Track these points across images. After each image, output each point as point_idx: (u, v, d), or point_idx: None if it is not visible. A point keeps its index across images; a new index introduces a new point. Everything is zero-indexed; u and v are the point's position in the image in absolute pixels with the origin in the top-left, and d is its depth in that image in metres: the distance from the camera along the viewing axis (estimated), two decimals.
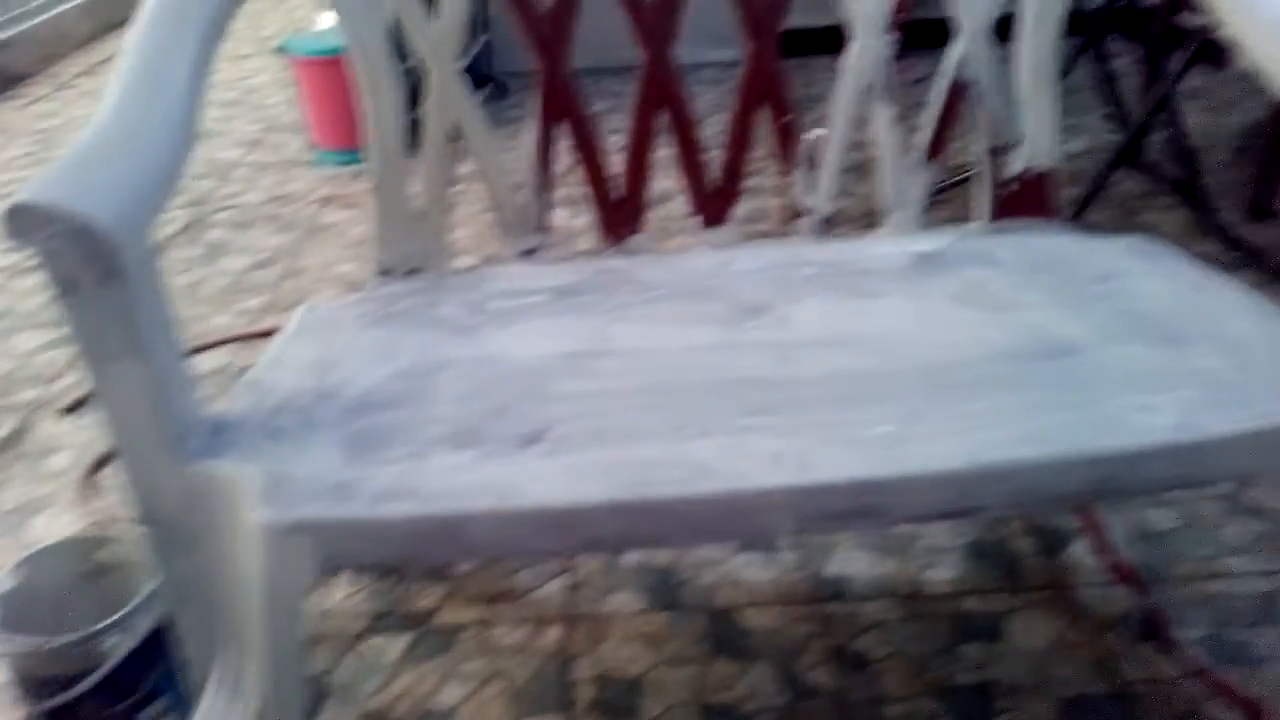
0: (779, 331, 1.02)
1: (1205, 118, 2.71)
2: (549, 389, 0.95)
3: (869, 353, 0.96)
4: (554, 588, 1.33)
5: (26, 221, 0.77)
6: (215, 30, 1.04)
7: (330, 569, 0.82)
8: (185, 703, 1.14)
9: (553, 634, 1.26)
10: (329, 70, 2.75)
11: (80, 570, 1.17)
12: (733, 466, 0.81)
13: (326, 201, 2.66)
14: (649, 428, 0.87)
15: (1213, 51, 2.05)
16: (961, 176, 1.20)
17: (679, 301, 1.10)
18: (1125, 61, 2.75)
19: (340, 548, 0.81)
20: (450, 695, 1.18)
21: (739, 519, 0.80)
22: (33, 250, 0.78)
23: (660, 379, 0.95)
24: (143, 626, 1.05)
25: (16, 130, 3.40)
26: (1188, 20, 2.06)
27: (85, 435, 1.72)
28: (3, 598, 1.09)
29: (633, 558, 1.36)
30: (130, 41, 1.00)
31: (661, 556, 1.36)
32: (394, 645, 1.25)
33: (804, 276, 1.13)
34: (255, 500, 0.81)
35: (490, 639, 1.26)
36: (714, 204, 1.22)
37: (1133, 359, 0.89)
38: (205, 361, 1.92)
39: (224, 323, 2.06)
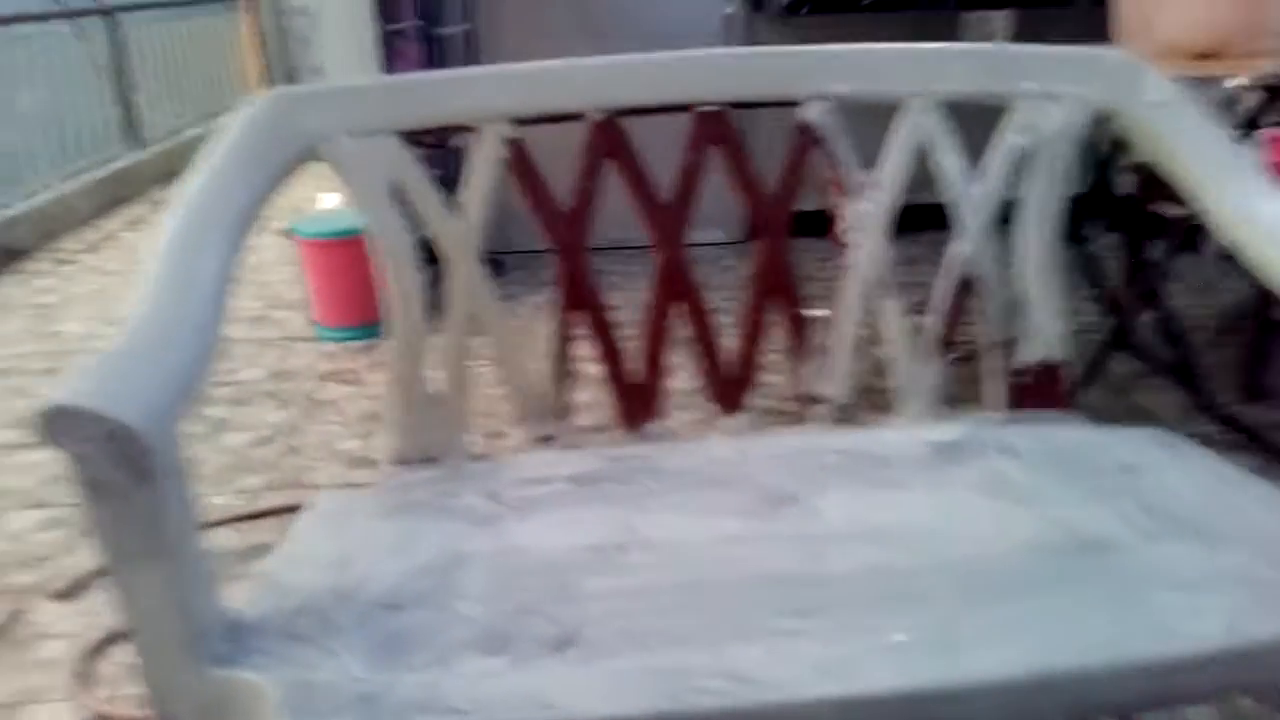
0: (806, 524, 1.01)
1: (1188, 299, 2.80)
2: (577, 586, 0.93)
3: (900, 549, 0.95)
4: None
5: (62, 424, 0.77)
6: (243, 229, 1.07)
7: None
8: None
9: None
10: (333, 251, 2.82)
11: None
12: (776, 675, 0.78)
13: (327, 378, 2.67)
14: (684, 630, 0.84)
15: (1192, 237, 2.14)
16: (972, 359, 1.23)
17: (702, 491, 1.09)
18: (1104, 244, 2.85)
19: None
20: None
21: None
22: (66, 453, 0.77)
23: (690, 575, 0.93)
24: None
25: (15, 305, 3.44)
26: (1166, 209, 2.17)
27: (81, 621, 1.66)
28: None
29: None
30: (162, 241, 1.02)
31: None
32: None
33: (825, 466, 1.13)
34: (276, 712, 0.77)
35: None
36: (730, 391, 1.23)
37: (1169, 557, 0.88)
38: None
39: (223, 502, 2.03)
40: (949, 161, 1.22)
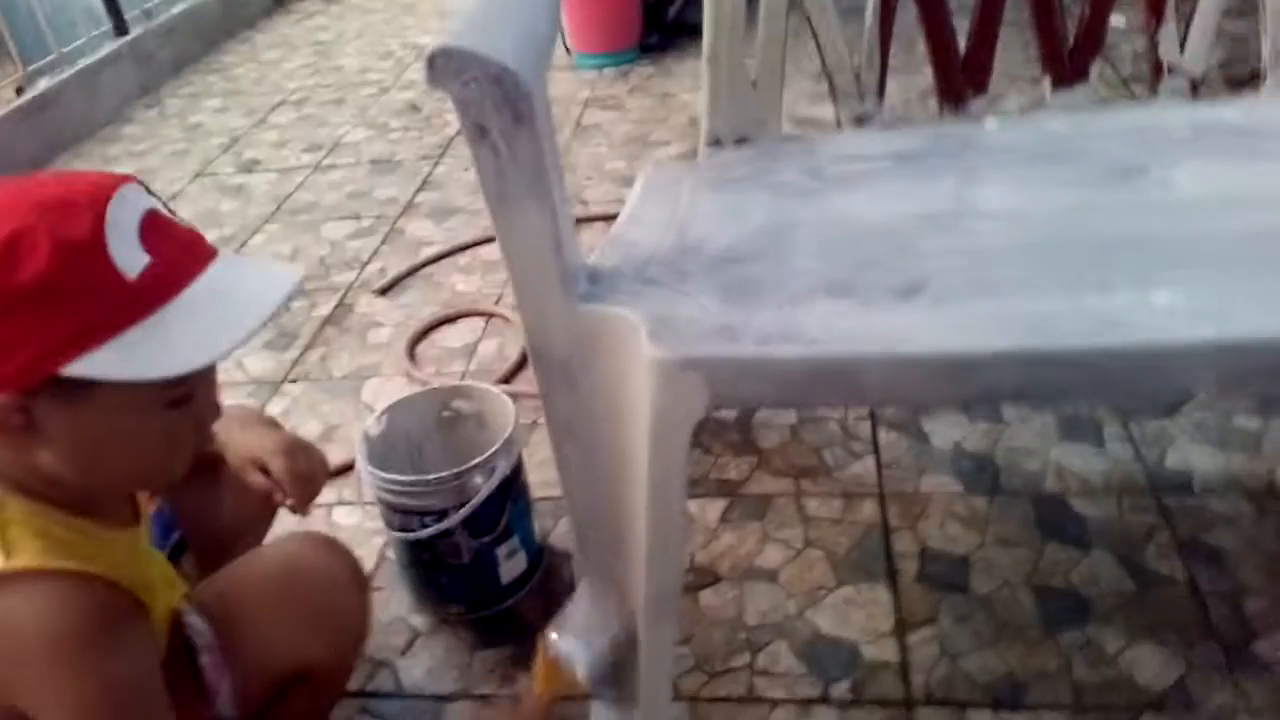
0: (1161, 193, 0.95)
1: None
2: (915, 246, 0.93)
3: (1273, 212, 0.88)
4: (863, 465, 1.33)
5: (447, 67, 0.82)
6: None
7: (716, 407, 0.84)
8: (534, 543, 1.23)
9: (867, 508, 1.26)
10: None
11: (433, 420, 1.26)
12: (1145, 320, 0.76)
13: (589, 103, 2.71)
14: (1039, 282, 0.83)
15: None
16: None
17: (1037, 164, 1.04)
18: None
19: (728, 386, 0.83)
20: (771, 557, 1.21)
21: (1153, 374, 0.76)
22: (451, 94, 0.83)
23: (1036, 237, 0.91)
24: (502, 470, 1.13)
25: (295, 42, 3.65)
26: None
27: (401, 312, 1.85)
28: (371, 442, 1.19)
29: (945, 440, 1.34)
30: None
31: (976, 442, 1.33)
32: (711, 509, 1.29)
33: (1176, 139, 1.04)
34: (645, 339, 0.84)
35: (804, 509, 1.27)
36: (1069, 63, 1.14)
37: None
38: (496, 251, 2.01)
39: None
40: None
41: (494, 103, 0.82)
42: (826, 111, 2.45)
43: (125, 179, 0.67)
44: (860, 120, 1.19)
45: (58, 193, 0.64)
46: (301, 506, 0.91)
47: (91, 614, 0.66)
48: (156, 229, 0.66)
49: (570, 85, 2.83)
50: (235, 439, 0.92)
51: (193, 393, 0.69)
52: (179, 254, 0.66)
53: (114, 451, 0.68)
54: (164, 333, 0.63)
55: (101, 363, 0.62)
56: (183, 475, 0.76)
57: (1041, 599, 1.11)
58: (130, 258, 0.63)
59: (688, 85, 2.70)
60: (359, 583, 0.93)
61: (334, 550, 0.93)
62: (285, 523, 1.07)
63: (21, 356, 0.61)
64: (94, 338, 0.62)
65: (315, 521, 1.33)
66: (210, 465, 0.93)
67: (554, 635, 0.91)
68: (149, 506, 0.84)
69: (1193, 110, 1.09)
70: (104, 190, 0.65)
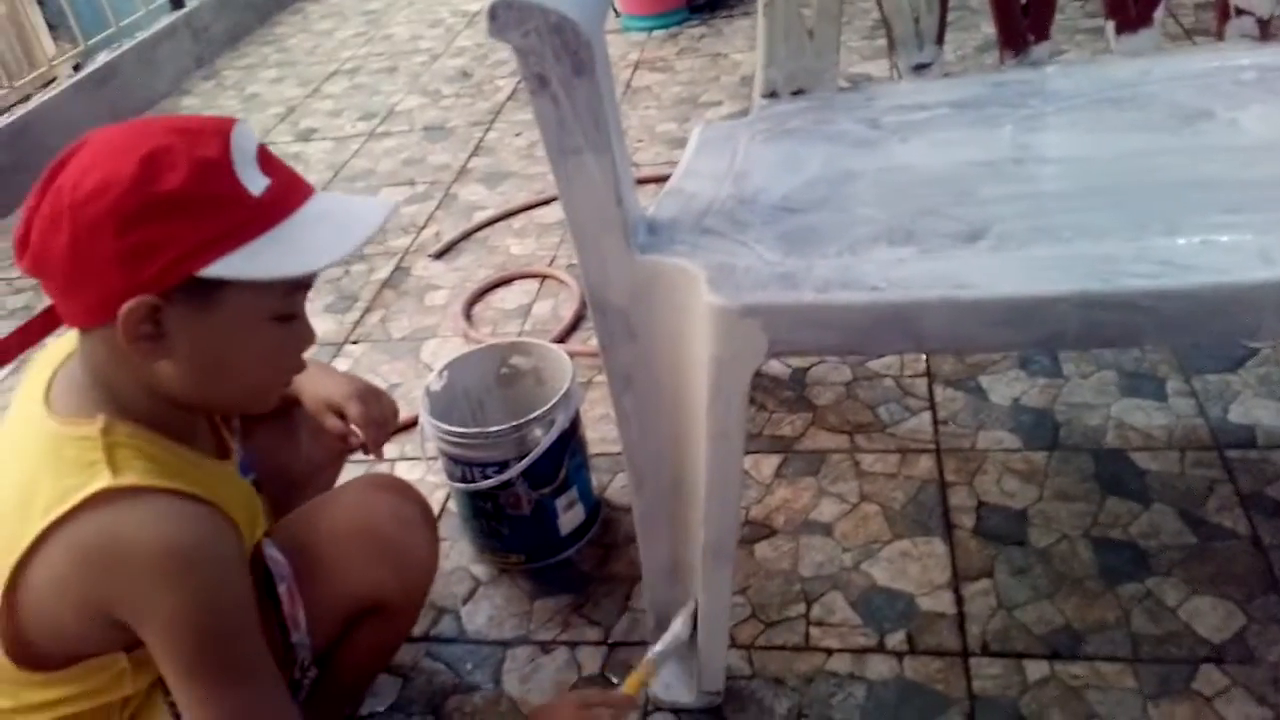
0: (1226, 137, 0.94)
1: None
2: (975, 193, 0.92)
3: None
4: (919, 421, 1.33)
5: (508, 17, 0.82)
6: None
7: (774, 354, 0.85)
8: (591, 496, 1.25)
9: (923, 464, 1.26)
10: None
11: (492, 376, 1.28)
12: (1212, 262, 0.75)
13: (638, 65, 2.70)
14: (1103, 226, 0.82)
15: None
16: None
17: (1100, 110, 1.03)
18: None
19: (789, 332, 0.83)
20: (826, 511, 1.22)
21: (1219, 316, 0.75)
22: (513, 44, 0.84)
23: (1102, 182, 0.90)
24: (560, 423, 1.15)
25: (347, 12, 3.68)
26: None
27: (457, 275, 1.87)
28: (433, 396, 1.22)
29: (1003, 396, 1.33)
30: None
31: (1034, 398, 1.32)
32: (765, 464, 1.30)
33: (1244, 81, 1.02)
34: (705, 287, 0.85)
35: (859, 464, 1.28)
36: (1132, 6, 1.12)
37: None
38: (550, 214, 2.02)
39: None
40: None
41: (554, 52, 0.83)
42: (878, 68, 2.42)
43: (235, 119, 0.73)
44: (918, 69, 1.18)
45: (188, 121, 0.72)
46: (375, 449, 0.95)
47: (196, 530, 0.70)
48: (269, 160, 0.74)
49: (618, 48, 2.82)
50: (311, 384, 0.96)
51: (297, 313, 0.76)
52: (289, 182, 0.74)
53: (229, 361, 0.74)
54: (284, 243, 0.71)
55: (233, 266, 0.69)
56: (274, 404, 0.83)
57: (1100, 552, 1.11)
58: (253, 178, 0.71)
59: (739, 45, 2.68)
60: (428, 520, 0.97)
61: (404, 490, 0.96)
62: (352, 471, 1.10)
63: (162, 258, 0.67)
64: (225, 245, 0.69)
65: None
66: (286, 409, 0.97)
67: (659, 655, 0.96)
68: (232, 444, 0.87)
69: (1259, 53, 1.06)
70: (226, 122, 0.72)
